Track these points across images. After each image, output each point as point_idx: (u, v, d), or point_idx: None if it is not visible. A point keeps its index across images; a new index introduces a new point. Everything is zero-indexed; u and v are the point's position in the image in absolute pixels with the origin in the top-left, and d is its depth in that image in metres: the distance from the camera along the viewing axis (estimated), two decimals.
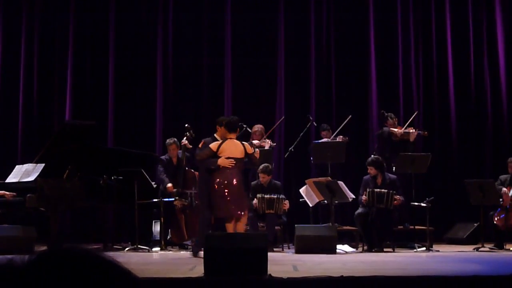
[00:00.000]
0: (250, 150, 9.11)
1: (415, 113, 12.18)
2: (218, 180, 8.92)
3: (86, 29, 13.25)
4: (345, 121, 11.72)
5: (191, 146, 10.95)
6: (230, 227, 8.90)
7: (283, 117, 12.52)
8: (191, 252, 9.42)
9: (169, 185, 10.81)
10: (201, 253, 8.19)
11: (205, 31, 13.32)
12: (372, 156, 11.08)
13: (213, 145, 9.07)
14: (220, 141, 9.10)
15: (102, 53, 13.12)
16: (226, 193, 8.88)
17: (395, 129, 11.76)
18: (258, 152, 9.53)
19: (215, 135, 9.48)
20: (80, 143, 10.18)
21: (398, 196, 10.50)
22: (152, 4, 13.31)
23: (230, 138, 9.07)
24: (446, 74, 13.35)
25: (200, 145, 9.45)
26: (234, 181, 8.92)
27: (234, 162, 8.93)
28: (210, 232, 10.08)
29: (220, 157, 8.93)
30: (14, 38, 13.12)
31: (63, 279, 1.02)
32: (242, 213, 9.01)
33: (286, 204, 10.65)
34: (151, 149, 12.52)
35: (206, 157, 9.04)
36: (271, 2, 13.43)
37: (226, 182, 8.88)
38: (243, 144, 9.12)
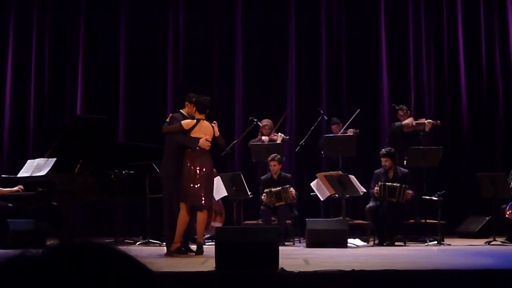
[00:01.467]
0: (217, 132, 8.79)
1: (358, 110, 11.91)
2: (190, 162, 8.54)
3: (97, 25, 13.34)
4: (355, 114, 11.69)
5: None
6: (186, 218, 8.58)
7: (288, 109, 12.52)
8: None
9: None
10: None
11: (216, 30, 13.36)
12: (386, 147, 11.06)
13: (186, 123, 8.68)
14: (194, 120, 8.66)
15: (113, 50, 13.20)
16: (197, 179, 8.50)
17: (407, 120, 11.73)
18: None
19: (181, 110, 9.08)
20: (92, 137, 10.20)
21: (409, 190, 10.49)
22: (163, 4, 13.35)
23: (201, 119, 8.70)
24: (457, 69, 13.31)
25: (168, 119, 9.01)
26: (208, 167, 8.62)
27: (210, 145, 8.67)
28: (221, 226, 10.13)
29: (190, 136, 8.58)
30: (26, 34, 13.18)
31: (77, 272, 1.02)
32: (204, 204, 8.60)
33: (292, 191, 10.64)
34: (162, 144, 12.52)
35: (175, 132, 8.69)
36: (282, 1, 13.43)
37: (198, 167, 8.52)
38: (212, 125, 8.79)
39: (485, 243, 10.45)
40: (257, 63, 13.35)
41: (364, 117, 12.18)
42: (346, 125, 11.81)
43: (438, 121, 11.85)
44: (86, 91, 13.12)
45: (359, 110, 11.78)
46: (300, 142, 11.91)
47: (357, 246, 10.06)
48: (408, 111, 11.95)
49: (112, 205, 11.75)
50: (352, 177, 10.49)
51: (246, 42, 13.30)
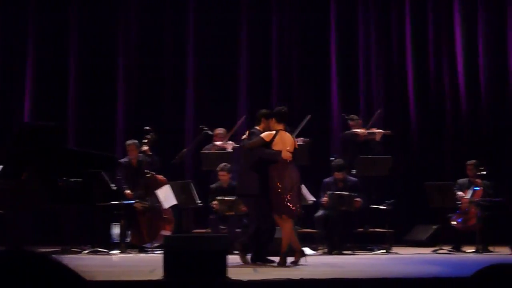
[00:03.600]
0: (296, 144, 8.65)
1: (378, 111, 12.19)
2: (277, 176, 8.30)
3: (46, 29, 13.07)
4: (304, 122, 11.68)
5: (151, 153, 10.94)
6: (287, 227, 8.38)
7: (244, 116, 12.50)
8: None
9: (128, 191, 10.76)
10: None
11: (167, 31, 13.25)
12: (336, 160, 11.08)
13: (266, 135, 8.44)
14: (273, 132, 8.43)
15: (63, 54, 12.98)
16: (287, 191, 8.25)
17: (358, 130, 11.81)
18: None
19: (257, 127, 8.80)
20: (40, 144, 10.05)
21: (358, 199, 10.56)
22: (113, 4, 13.20)
23: (281, 130, 8.49)
24: (406, 77, 13.48)
25: (246, 135, 8.80)
26: (295, 177, 8.43)
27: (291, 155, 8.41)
28: (170, 234, 10.07)
29: (272, 148, 8.33)
30: None
31: (9, 280, 1.00)
32: (297, 213, 8.49)
33: None
34: (112, 151, 12.42)
35: (257, 146, 8.44)
36: (233, 2, 13.42)
37: (286, 179, 8.29)
38: (293, 136, 8.69)
39: (433, 251, 10.57)
40: (208, 64, 13.27)
41: (313, 124, 12.17)
42: (296, 133, 11.79)
43: (389, 131, 11.96)
44: (35, 96, 12.88)
45: (309, 117, 11.76)
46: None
47: (306, 255, 10.06)
48: (359, 121, 12.04)
49: (60, 213, 11.59)
50: (302, 185, 10.50)
51: (198, 43, 13.24)
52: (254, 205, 8.64)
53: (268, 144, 8.37)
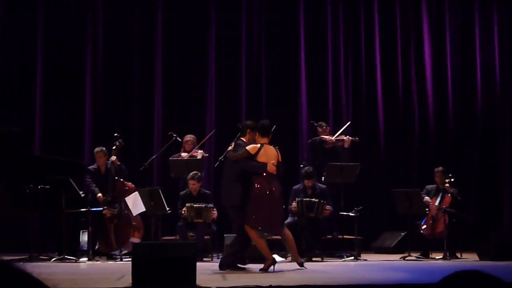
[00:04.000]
0: (280, 158, 8.78)
1: (348, 123, 12.24)
2: (260, 187, 8.52)
3: (13, 31, 12.91)
4: (271, 129, 11.66)
5: (119, 163, 10.88)
6: (252, 235, 8.56)
7: (214, 129, 12.47)
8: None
9: (99, 195, 10.70)
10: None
11: (135, 32, 13.18)
12: (306, 168, 11.10)
13: (251, 148, 8.67)
14: (258, 145, 8.68)
15: (30, 57, 12.83)
16: (268, 203, 8.48)
17: (326, 137, 11.84)
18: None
19: (242, 138, 9.00)
20: (4, 150, 9.96)
21: (327, 206, 10.59)
22: (81, 5, 13.07)
23: (265, 143, 8.73)
24: (375, 82, 13.58)
25: (231, 147, 8.95)
26: (278, 191, 8.64)
27: (276, 169, 8.61)
28: (139, 242, 10.03)
29: (257, 160, 8.56)
30: None
31: None
32: (280, 229, 8.78)
33: (215, 213, 10.63)
34: (80, 158, 12.34)
35: (242, 158, 8.63)
36: (202, 2, 13.40)
37: (268, 191, 8.50)
38: (276, 149, 8.83)
39: (400, 258, 10.63)
40: (176, 67, 13.25)
41: (282, 130, 12.17)
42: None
43: (357, 138, 12.00)
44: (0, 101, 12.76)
45: (275, 125, 11.74)
46: (220, 158, 11.84)
47: (275, 262, 10.06)
48: (328, 127, 12.08)
49: (27, 220, 11.47)
50: None
51: (166, 44, 13.20)
52: (237, 215, 8.73)
53: (253, 156, 8.58)
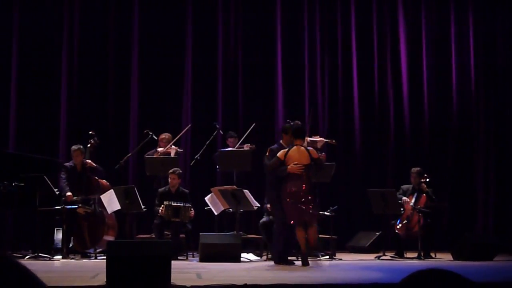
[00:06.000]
0: (315, 155, 9.33)
1: (253, 125, 11.98)
2: (289, 187, 9.12)
3: None
4: (249, 129, 11.69)
5: (95, 165, 10.81)
6: (301, 233, 9.16)
7: (190, 125, 12.45)
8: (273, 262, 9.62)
9: (69, 194, 10.57)
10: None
11: (112, 30, 13.11)
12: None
13: (280, 154, 9.30)
14: (286, 149, 9.32)
15: (5, 56, 12.74)
16: (297, 200, 9.07)
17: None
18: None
19: (281, 141, 9.72)
20: None
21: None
22: (57, 3, 13.00)
23: (297, 145, 9.29)
24: (351, 82, 13.63)
25: (267, 154, 9.62)
26: (304, 187, 9.11)
27: (303, 167, 9.13)
28: (113, 240, 10.00)
29: (286, 163, 9.19)
30: None
31: None
32: (313, 218, 9.27)
33: (192, 212, 10.63)
34: (55, 155, 12.27)
35: (276, 167, 9.26)
36: (178, 1, 13.36)
37: (295, 189, 9.09)
38: (307, 149, 9.32)
39: (375, 257, 10.67)
40: (153, 67, 13.20)
41: (259, 130, 12.17)
42: (242, 140, 11.78)
43: (333, 141, 11.99)
44: None
45: (254, 125, 11.77)
46: (195, 156, 11.86)
47: (250, 261, 10.08)
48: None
49: (0, 217, 11.39)
50: (246, 191, 10.52)
51: (143, 43, 13.16)
52: (277, 211, 9.53)
53: (282, 162, 9.25)
